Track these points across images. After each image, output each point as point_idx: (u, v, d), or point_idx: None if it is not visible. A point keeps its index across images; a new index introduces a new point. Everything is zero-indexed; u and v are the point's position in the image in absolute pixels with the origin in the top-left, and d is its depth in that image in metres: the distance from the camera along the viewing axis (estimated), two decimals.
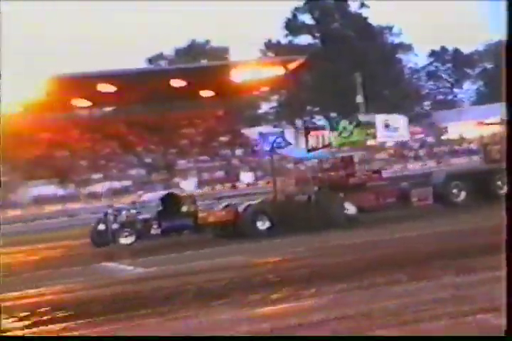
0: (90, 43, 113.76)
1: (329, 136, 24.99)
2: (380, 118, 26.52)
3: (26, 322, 12.09)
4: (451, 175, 25.79)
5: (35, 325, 11.82)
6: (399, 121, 27.42)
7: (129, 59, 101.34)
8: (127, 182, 52.98)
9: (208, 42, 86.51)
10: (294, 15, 78.78)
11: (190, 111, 58.94)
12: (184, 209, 23.60)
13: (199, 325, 10.11)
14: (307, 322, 9.58)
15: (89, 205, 45.54)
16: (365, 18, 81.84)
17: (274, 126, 73.71)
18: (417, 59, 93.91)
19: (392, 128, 26.92)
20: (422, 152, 63.46)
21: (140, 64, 78.84)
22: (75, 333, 10.82)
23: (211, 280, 14.41)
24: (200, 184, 53.29)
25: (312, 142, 25.59)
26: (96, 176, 53.32)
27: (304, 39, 79.62)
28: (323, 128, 25.94)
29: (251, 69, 54.21)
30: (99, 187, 51.23)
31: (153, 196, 26.23)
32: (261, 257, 17.52)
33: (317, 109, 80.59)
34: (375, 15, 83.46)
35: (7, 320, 12.59)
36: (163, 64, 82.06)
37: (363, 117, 30.15)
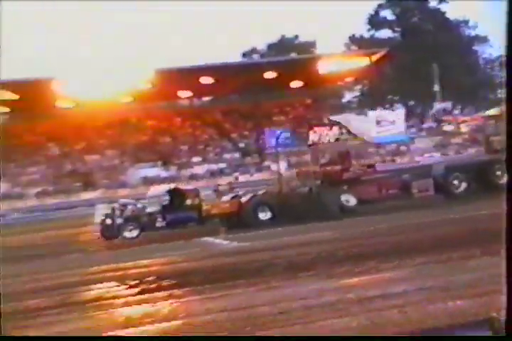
0: (193, 40, 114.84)
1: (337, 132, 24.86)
2: (371, 115, 26.32)
3: (136, 290, 12.38)
4: (451, 166, 24.66)
5: (143, 292, 12.09)
6: (394, 115, 27.07)
7: (225, 53, 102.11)
8: (223, 165, 53.39)
9: (296, 37, 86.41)
10: (376, 12, 77.94)
11: (281, 100, 59.08)
12: (188, 202, 22.66)
13: (288, 295, 10.15)
14: (388, 293, 9.52)
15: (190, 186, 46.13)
16: (443, 13, 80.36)
17: (357, 114, 73.19)
18: (492, 50, 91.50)
19: (386, 123, 26.62)
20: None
21: (235, 58, 79.21)
22: (180, 300, 11.02)
23: (300, 254, 14.42)
24: (289, 167, 53.23)
25: (313, 137, 25.50)
26: (195, 159, 53.89)
27: (385, 33, 78.57)
28: (325, 125, 25.95)
29: (336, 62, 53.93)
30: (198, 170, 51.85)
31: (158, 190, 25.30)
32: (345, 233, 17.45)
33: (397, 97, 79.61)
34: (453, 10, 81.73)
35: (119, 287, 12.92)
36: (256, 57, 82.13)
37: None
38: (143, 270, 14.80)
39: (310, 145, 25.98)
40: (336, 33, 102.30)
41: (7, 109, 53.51)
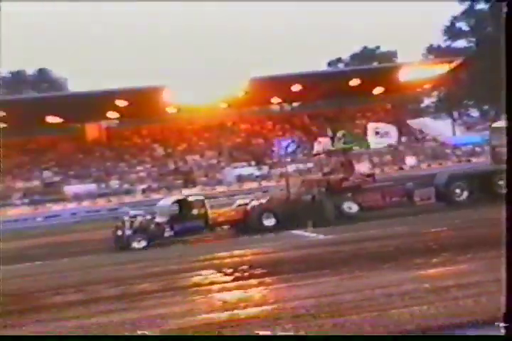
0: (281, 51, 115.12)
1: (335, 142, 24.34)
2: (371, 127, 25.36)
3: (231, 277, 12.51)
4: (454, 175, 23.52)
5: (237, 279, 12.20)
6: (389, 127, 26.08)
7: (312, 63, 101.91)
8: (310, 165, 53.29)
9: (378, 47, 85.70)
10: (452, 23, 76.29)
11: (364, 105, 58.68)
12: (195, 212, 21.81)
13: (370, 284, 10.07)
14: (463, 283, 9.34)
15: (279, 183, 46.27)
16: None
17: (434, 118, 71.96)
18: None
19: (382, 134, 25.59)
20: None
21: (322, 67, 79.10)
22: (270, 287, 11.08)
23: (381, 247, 14.29)
24: (373, 166, 52.64)
25: (317, 147, 25.29)
26: (285, 159, 53.98)
27: (461, 43, 76.82)
28: (326, 135, 25.35)
29: (415, 70, 53.04)
30: (288, 169, 51.90)
31: (167, 201, 23.70)
32: (423, 228, 17.14)
33: (471, 102, 77.77)
34: None
35: (216, 274, 13.08)
36: (341, 66, 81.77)
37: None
38: (237, 259, 14.93)
39: (315, 155, 25.76)
40: (415, 43, 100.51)
41: (118, 115, 54.93)
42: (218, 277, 12.70)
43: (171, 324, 8.99)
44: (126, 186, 47.28)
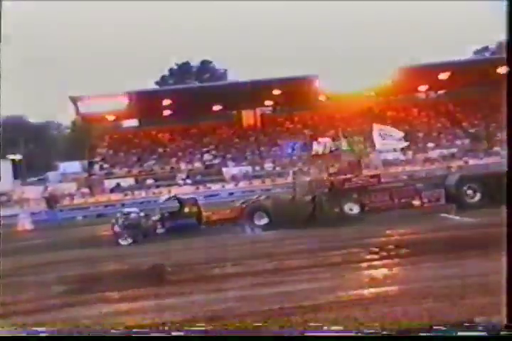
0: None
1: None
2: (376, 129, 23.08)
3: (377, 256, 12.39)
4: (465, 176, 21.27)
5: (384, 258, 12.07)
6: (394, 130, 23.70)
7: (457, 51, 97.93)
8: (454, 150, 51.49)
9: None
10: None
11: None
12: (186, 210, 21.04)
13: None
14: None
15: (426, 168, 45.25)
16: None
17: None
18: None
19: (388, 137, 23.28)
20: None
21: (468, 55, 75.84)
22: (415, 266, 10.88)
23: None
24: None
25: (317, 148, 23.53)
26: (430, 145, 52.48)
27: None
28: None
29: None
30: (432, 154, 50.44)
31: (160, 199, 23.28)
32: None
33: None
34: None
35: (364, 253, 12.97)
36: (487, 55, 77.96)
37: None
38: (384, 239, 14.74)
39: (313, 156, 24.05)
40: None
41: (272, 103, 55.80)
42: (366, 255, 12.61)
43: (321, 298, 9.07)
44: (278, 169, 47.91)
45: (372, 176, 21.39)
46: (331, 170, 22.58)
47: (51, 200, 29.48)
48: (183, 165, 50.03)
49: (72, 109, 52.79)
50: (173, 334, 7.49)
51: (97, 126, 57.12)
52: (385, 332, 6.64)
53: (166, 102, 51.63)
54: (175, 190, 41.27)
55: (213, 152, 52.31)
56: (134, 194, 42.49)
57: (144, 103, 49.17)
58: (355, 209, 20.04)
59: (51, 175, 54.80)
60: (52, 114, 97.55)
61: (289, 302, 8.91)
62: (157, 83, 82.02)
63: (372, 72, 47.08)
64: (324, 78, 47.20)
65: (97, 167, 51.14)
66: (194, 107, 50.88)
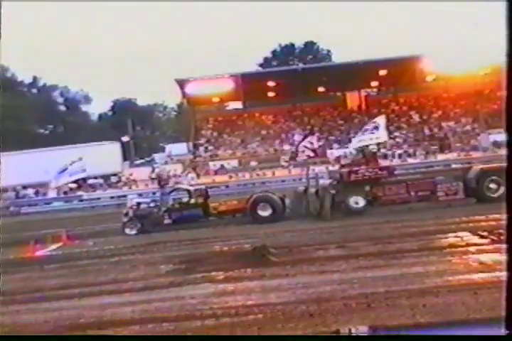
0: None
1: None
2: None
3: (486, 240, 12.05)
4: (487, 169, 19.12)
5: (493, 242, 11.71)
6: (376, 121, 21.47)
7: None
8: None
9: None
10: None
11: None
12: (192, 201, 20.65)
13: None
14: None
15: None
16: None
17: None
18: None
19: (370, 131, 21.66)
20: None
21: None
22: None
23: None
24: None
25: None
26: None
27: None
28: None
29: None
30: None
31: (166, 191, 22.92)
32: None
33: None
34: None
35: (472, 236, 12.64)
36: None
37: None
38: (492, 223, 14.27)
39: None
40: None
41: (377, 83, 55.03)
42: (473, 239, 12.29)
43: (428, 282, 8.94)
44: (383, 150, 47.27)
45: (382, 168, 20.33)
46: (344, 161, 21.84)
47: (160, 181, 30.60)
48: (286, 147, 50.26)
49: (178, 92, 54.28)
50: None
51: (202, 108, 58.37)
52: None
53: (270, 84, 51.91)
54: (279, 173, 41.61)
55: (317, 134, 52.25)
56: (238, 176, 43.07)
57: (249, 85, 49.70)
58: (361, 203, 19.19)
59: (158, 156, 56.55)
60: (159, 98, 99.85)
61: (395, 285, 8.85)
62: (260, 65, 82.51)
63: (482, 52, 45.36)
64: (431, 58, 45.95)
65: (201, 149, 52.30)
66: (298, 89, 50.91)
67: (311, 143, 22.08)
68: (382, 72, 50.30)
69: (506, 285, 4.83)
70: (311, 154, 24.24)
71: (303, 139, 23.49)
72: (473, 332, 6.95)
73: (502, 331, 4.85)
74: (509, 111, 4.62)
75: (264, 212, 19.93)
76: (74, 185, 41.26)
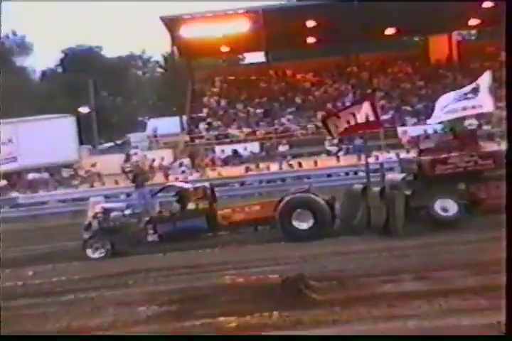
0: None
1: None
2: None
3: None
4: None
5: None
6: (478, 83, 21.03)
7: None
8: None
9: None
10: None
11: None
12: (190, 206, 20.46)
13: None
14: None
15: None
16: None
17: None
18: None
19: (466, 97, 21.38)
20: None
21: None
22: None
23: None
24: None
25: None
26: None
27: None
28: None
29: None
30: None
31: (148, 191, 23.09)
32: None
33: None
34: None
35: None
36: None
37: None
38: None
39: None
40: None
41: (477, 22, 54.81)
42: None
43: None
44: (486, 127, 47.05)
45: (486, 155, 19.88)
46: (424, 144, 21.52)
47: (136, 176, 30.15)
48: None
49: (165, 38, 54.02)
50: None
51: (203, 62, 58.30)
52: None
53: (310, 24, 51.57)
54: (323, 162, 41.41)
55: (381, 102, 51.93)
56: (260, 167, 42.93)
57: (275, 26, 49.40)
58: (452, 210, 19.04)
59: (135, 137, 56.68)
60: (137, 46, 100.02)
61: None
62: None
63: None
64: None
65: (202, 126, 52.17)
66: (353, 31, 50.35)
67: (366, 116, 21.33)
68: (488, 4, 49.66)
69: (506, 285, 5.84)
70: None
71: (347, 107, 22.59)
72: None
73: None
74: (509, 112, 5.30)
75: (302, 223, 19.84)
76: (2, 183, 41.46)
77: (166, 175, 40.64)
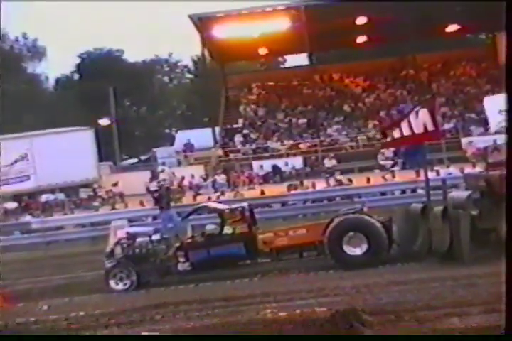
0: None
1: None
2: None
3: None
4: None
5: None
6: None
7: None
8: None
9: None
10: None
11: None
12: (228, 230, 20.41)
13: None
14: None
15: None
16: None
17: None
18: None
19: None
20: None
21: None
22: None
23: None
24: None
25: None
26: None
27: None
28: None
29: None
30: None
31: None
32: None
33: None
34: None
35: None
36: None
37: None
38: None
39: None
40: None
41: None
42: None
43: None
44: None
45: None
46: (493, 157, 21.11)
47: (163, 196, 30.17)
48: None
49: (195, 39, 54.35)
50: None
51: (238, 66, 58.44)
52: None
53: (360, 22, 51.56)
54: (375, 179, 41.35)
55: (442, 109, 51.85)
56: (304, 185, 43.01)
57: (320, 24, 49.49)
58: None
59: (161, 152, 56.83)
60: (162, 49, 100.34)
61: None
62: None
63: None
64: None
65: (238, 138, 52.31)
66: (409, 29, 50.37)
67: (424, 125, 21.13)
68: None
69: (506, 285, 5.99)
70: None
71: (405, 116, 22.41)
72: None
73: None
74: (510, 111, 5.48)
75: (355, 249, 19.89)
76: (13, 205, 41.70)
77: (196, 195, 40.69)
